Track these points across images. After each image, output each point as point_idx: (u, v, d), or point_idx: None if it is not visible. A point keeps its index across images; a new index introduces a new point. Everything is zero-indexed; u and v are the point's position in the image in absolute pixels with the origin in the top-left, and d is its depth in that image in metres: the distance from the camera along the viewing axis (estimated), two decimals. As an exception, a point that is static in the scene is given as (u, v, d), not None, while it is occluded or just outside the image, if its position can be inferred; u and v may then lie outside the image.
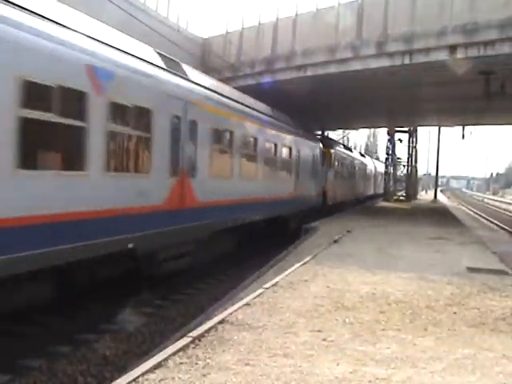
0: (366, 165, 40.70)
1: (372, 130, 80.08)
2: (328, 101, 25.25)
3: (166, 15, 21.82)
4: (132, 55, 8.38)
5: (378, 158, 65.59)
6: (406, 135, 44.97)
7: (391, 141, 46.46)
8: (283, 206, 16.75)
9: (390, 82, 20.33)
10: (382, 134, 77.20)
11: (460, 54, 15.82)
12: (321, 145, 23.49)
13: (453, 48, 15.89)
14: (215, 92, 11.88)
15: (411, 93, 23.30)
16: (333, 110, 29.15)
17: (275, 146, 16.01)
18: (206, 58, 23.23)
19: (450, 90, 21.54)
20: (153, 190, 8.87)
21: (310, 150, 20.78)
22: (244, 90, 16.74)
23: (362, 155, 44.74)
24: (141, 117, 8.50)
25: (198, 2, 47.52)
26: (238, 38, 22.13)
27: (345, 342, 5.45)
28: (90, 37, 7.26)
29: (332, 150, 25.92)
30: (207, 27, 33.06)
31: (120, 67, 7.89)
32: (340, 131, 49.96)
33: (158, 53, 9.70)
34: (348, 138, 65.44)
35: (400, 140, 45.62)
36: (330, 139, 30.01)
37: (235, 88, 16.26)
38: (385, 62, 17.68)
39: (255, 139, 14.25)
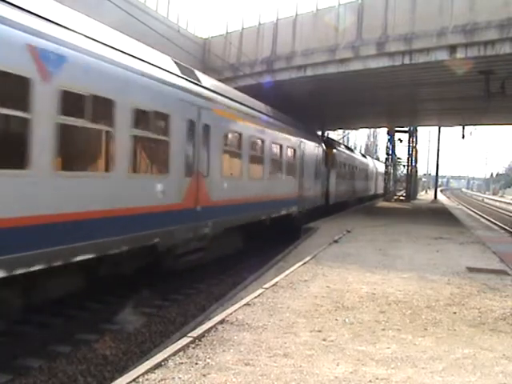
0: (367, 165, 41.10)
1: (372, 129, 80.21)
2: (328, 101, 25.25)
3: (166, 15, 21.82)
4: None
5: (378, 158, 65.62)
6: (406, 135, 45.05)
7: (391, 141, 46.52)
8: (286, 205, 16.96)
9: (390, 82, 20.33)
10: (382, 134, 77.50)
11: (460, 54, 15.83)
12: (323, 146, 23.70)
13: (453, 48, 15.89)
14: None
15: (411, 93, 23.30)
16: (333, 110, 29.15)
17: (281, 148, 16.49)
18: (205, 58, 23.24)
19: (450, 89, 21.54)
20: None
21: (312, 151, 21.08)
22: (244, 90, 16.74)
23: (364, 156, 45.15)
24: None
25: (198, 2, 47.50)
26: (238, 38, 22.13)
27: (345, 342, 5.45)
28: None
29: (334, 151, 26.30)
30: (207, 27, 33.00)
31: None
32: (340, 131, 49.98)
33: (176, 63, 10.06)
34: (348, 138, 65.52)
35: (400, 140, 45.71)
36: (332, 140, 30.21)
37: (235, 88, 16.28)
38: (385, 62, 17.68)
39: (281, 146, 16.08)
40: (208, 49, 23.34)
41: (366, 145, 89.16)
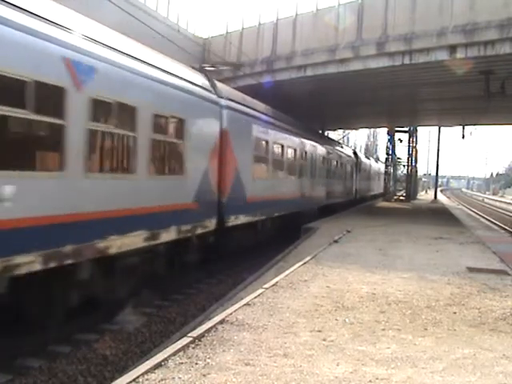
0: (379, 168, 48.19)
1: (372, 129, 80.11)
2: (328, 101, 25.26)
3: (166, 15, 21.81)
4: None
5: (378, 158, 65.62)
6: (406, 135, 45.02)
7: (391, 141, 46.50)
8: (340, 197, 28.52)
9: (390, 82, 20.33)
10: (382, 134, 77.33)
11: (460, 54, 15.83)
12: (354, 156, 34.23)
13: (453, 48, 15.89)
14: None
15: (411, 93, 23.31)
16: (333, 110, 29.17)
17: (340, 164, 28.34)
18: (206, 57, 23.23)
19: (450, 89, 21.55)
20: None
21: (349, 161, 31.83)
22: (244, 90, 16.73)
23: (376, 161, 50.84)
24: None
25: (198, 2, 47.48)
26: (238, 38, 22.13)
27: (345, 342, 5.45)
28: None
29: (359, 160, 36.20)
30: (207, 27, 32.99)
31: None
32: (340, 131, 49.95)
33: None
34: (348, 138, 65.43)
35: (400, 140, 45.69)
36: (356, 151, 40.23)
37: (235, 88, 16.29)
38: (385, 62, 17.68)
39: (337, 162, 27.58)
40: (208, 49, 23.34)
41: (366, 145, 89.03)
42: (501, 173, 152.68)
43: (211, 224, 10.95)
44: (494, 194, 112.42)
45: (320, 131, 33.56)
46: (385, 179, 47.30)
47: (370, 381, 4.42)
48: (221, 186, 11.37)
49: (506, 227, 24.18)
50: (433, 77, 19.13)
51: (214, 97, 11.35)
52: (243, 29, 22.25)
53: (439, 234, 16.09)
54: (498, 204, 59.44)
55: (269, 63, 20.85)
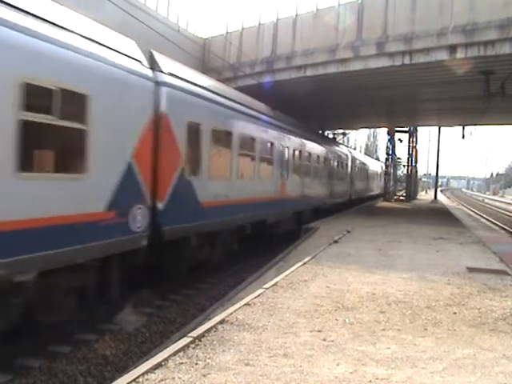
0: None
1: (372, 130, 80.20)
2: (328, 101, 25.25)
3: (166, 15, 21.81)
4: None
5: (378, 158, 65.64)
6: (406, 135, 45.00)
7: (391, 141, 46.51)
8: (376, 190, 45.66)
9: (390, 81, 20.33)
10: (382, 134, 77.47)
11: (460, 54, 15.82)
12: (381, 168, 49.32)
13: (453, 48, 15.89)
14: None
15: (411, 93, 23.30)
16: (333, 110, 29.16)
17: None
18: (206, 58, 23.24)
19: (450, 89, 21.54)
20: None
21: (379, 169, 47.77)
22: (244, 90, 16.73)
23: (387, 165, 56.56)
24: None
25: (198, 2, 47.51)
26: (238, 38, 22.13)
27: (345, 342, 5.45)
28: None
29: (382, 169, 48.66)
30: (207, 27, 33.06)
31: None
32: (340, 131, 49.90)
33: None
34: (348, 138, 65.44)
35: (400, 140, 45.65)
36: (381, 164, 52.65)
37: (236, 88, 16.28)
38: (385, 62, 17.68)
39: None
40: (208, 49, 23.33)
41: (366, 145, 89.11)
42: (501, 173, 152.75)
43: (347, 198, 28.05)
44: (493, 194, 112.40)
45: (320, 131, 33.86)
46: (385, 179, 47.36)
47: (370, 381, 4.42)
48: (351, 186, 29.37)
49: (506, 227, 24.16)
50: (433, 77, 19.12)
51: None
52: (243, 29, 22.25)
53: (439, 234, 16.10)
54: (497, 204, 59.43)
55: (269, 63, 20.85)
